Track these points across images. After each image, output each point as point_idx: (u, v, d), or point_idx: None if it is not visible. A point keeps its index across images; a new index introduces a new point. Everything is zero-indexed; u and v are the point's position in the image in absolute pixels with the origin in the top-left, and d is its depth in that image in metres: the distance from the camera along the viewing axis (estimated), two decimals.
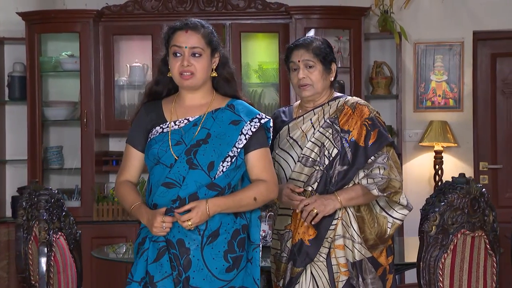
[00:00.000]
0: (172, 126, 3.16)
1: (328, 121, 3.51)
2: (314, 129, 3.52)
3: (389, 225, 3.52)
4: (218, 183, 3.09)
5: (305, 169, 3.49)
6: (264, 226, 4.45)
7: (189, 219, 3.02)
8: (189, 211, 3.03)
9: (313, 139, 3.50)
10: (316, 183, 3.46)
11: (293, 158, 3.52)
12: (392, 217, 3.53)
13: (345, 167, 3.45)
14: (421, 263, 3.57)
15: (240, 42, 6.28)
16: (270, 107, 6.34)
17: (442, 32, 6.53)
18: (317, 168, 3.47)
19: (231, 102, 3.21)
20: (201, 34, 3.16)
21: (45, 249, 3.34)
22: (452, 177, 5.07)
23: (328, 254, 3.45)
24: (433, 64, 6.56)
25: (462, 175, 5.16)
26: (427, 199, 3.69)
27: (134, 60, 6.51)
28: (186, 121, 3.17)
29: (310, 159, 3.48)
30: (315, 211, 3.39)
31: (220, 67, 3.23)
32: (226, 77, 3.25)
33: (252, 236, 3.19)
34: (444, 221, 3.56)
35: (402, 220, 3.56)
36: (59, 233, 3.52)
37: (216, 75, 3.22)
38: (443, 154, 6.41)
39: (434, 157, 6.43)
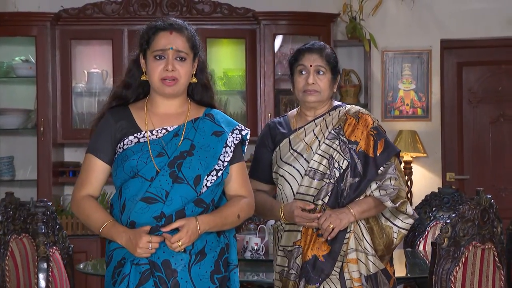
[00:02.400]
0: (149, 136, 2.96)
1: (333, 132, 3.48)
2: (319, 141, 3.48)
3: (395, 235, 3.52)
4: (204, 199, 2.92)
5: (314, 182, 3.44)
6: (256, 239, 4.39)
7: (179, 240, 2.82)
8: (176, 230, 2.85)
9: (319, 151, 3.46)
10: (327, 197, 3.43)
11: (299, 172, 3.47)
12: (398, 226, 3.52)
13: (357, 179, 3.43)
14: (434, 276, 3.59)
15: (206, 48, 6.20)
16: (236, 116, 6.29)
17: (410, 40, 6.62)
18: (327, 181, 3.43)
19: (208, 111, 3.04)
20: (186, 37, 2.99)
21: (45, 264, 3.22)
22: (439, 188, 5.17)
23: (341, 269, 3.41)
24: (401, 72, 6.63)
25: (448, 186, 5.28)
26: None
27: (93, 66, 6.39)
28: (164, 130, 2.97)
29: (318, 172, 3.44)
30: (331, 226, 3.36)
31: (198, 72, 3.05)
32: (205, 83, 3.09)
33: (230, 257, 3.03)
34: (456, 233, 3.59)
35: (407, 230, 3.57)
36: (54, 247, 3.39)
37: (196, 81, 3.03)
38: (412, 165, 6.48)
39: (404, 167, 6.48)
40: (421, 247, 5.03)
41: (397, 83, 6.64)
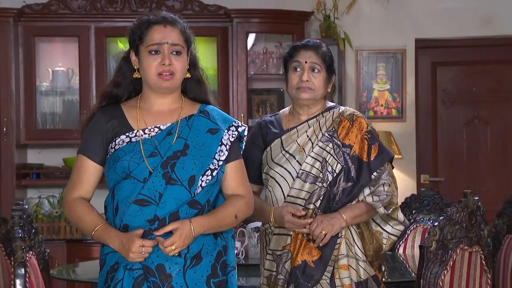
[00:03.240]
0: (142, 135, 2.91)
1: (326, 134, 3.45)
2: (312, 143, 3.45)
3: (384, 240, 3.52)
4: (198, 200, 2.86)
5: (306, 185, 3.40)
6: (236, 243, 4.31)
7: (173, 244, 2.78)
8: (170, 233, 2.80)
9: (312, 154, 3.42)
10: (319, 201, 3.39)
11: (290, 174, 3.43)
12: (387, 232, 3.52)
13: (350, 184, 3.41)
14: (422, 280, 3.55)
15: None
16: None
17: (385, 39, 6.58)
18: (319, 185, 3.39)
19: (203, 107, 2.99)
20: (180, 30, 2.95)
21: (22, 269, 3.12)
22: (419, 190, 5.14)
23: (332, 275, 3.38)
24: (376, 72, 6.60)
25: (429, 188, 5.25)
26: None
27: (57, 64, 6.26)
28: (157, 129, 2.92)
29: (311, 175, 3.40)
30: (324, 232, 3.31)
31: (191, 67, 3.00)
32: (198, 78, 3.04)
33: (228, 258, 2.98)
34: (444, 236, 3.55)
35: (397, 236, 3.55)
36: (30, 252, 3.28)
37: (190, 76, 2.98)
38: None
39: None
40: (401, 251, 4.99)
41: (371, 83, 6.61)
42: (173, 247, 2.77)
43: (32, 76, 6.12)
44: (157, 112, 2.96)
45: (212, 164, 2.90)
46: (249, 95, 6.28)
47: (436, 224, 3.58)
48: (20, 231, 3.18)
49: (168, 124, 2.93)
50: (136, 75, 2.96)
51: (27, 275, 3.18)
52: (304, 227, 3.33)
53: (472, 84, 6.80)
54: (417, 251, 4.77)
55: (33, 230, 3.38)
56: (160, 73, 2.89)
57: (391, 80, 6.60)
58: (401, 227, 3.51)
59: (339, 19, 6.44)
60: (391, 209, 3.44)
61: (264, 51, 6.29)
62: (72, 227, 6.04)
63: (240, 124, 3.00)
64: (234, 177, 2.98)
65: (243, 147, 3.04)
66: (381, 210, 3.39)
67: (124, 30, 6.41)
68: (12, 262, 3.17)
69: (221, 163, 2.92)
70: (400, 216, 3.48)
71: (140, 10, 6.14)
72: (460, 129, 6.80)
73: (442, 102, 6.81)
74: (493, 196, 6.49)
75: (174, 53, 2.91)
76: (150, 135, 2.91)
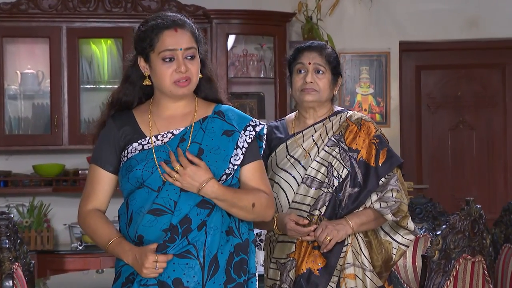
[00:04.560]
0: (154, 142, 2.85)
1: (333, 139, 3.41)
2: (318, 147, 3.40)
3: (394, 251, 3.47)
4: (209, 200, 2.79)
5: (311, 191, 3.35)
6: None
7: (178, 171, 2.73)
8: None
9: (318, 159, 3.38)
10: (325, 207, 3.34)
11: (295, 179, 3.38)
12: (397, 242, 3.47)
13: (356, 189, 3.36)
14: None
15: None
16: None
17: (368, 41, 6.54)
18: (325, 190, 3.34)
19: (217, 108, 2.92)
20: (190, 32, 2.87)
21: (10, 282, 3.01)
22: (411, 198, 5.07)
23: (338, 284, 3.32)
24: (359, 75, 6.55)
25: (421, 195, 5.19)
26: None
27: (27, 66, 6.13)
28: (170, 134, 2.86)
29: (316, 180, 3.35)
30: (328, 238, 3.25)
31: (201, 66, 2.91)
32: (209, 77, 2.96)
33: (249, 265, 2.88)
34: (447, 245, 3.50)
35: (408, 246, 3.50)
36: (16, 263, 3.17)
37: (202, 76, 2.91)
38: None
39: None
40: None
41: (354, 87, 6.56)
42: (175, 177, 2.73)
43: (0, 79, 5.97)
44: (169, 116, 2.90)
45: (228, 169, 2.84)
46: (229, 99, 6.17)
47: (438, 232, 3.52)
48: (7, 241, 3.07)
49: (182, 129, 2.87)
50: (146, 82, 2.89)
51: (14, 287, 3.06)
52: (308, 235, 3.27)
53: (457, 89, 6.79)
54: (409, 261, 4.71)
55: (19, 241, 3.26)
56: (176, 80, 2.83)
57: (374, 84, 6.55)
58: (412, 237, 3.47)
59: (322, 21, 6.38)
60: (400, 217, 3.39)
61: (245, 53, 6.21)
62: (43, 237, 5.91)
63: (257, 123, 2.92)
64: (252, 178, 2.89)
65: (263, 146, 2.95)
66: (389, 216, 3.34)
67: (97, 30, 6.35)
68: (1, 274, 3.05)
69: (236, 167, 2.85)
70: (411, 225, 3.44)
71: (114, 10, 6.03)
72: (445, 134, 6.79)
73: (426, 107, 6.78)
74: (479, 203, 6.40)
75: (189, 57, 2.83)
76: (163, 141, 2.85)
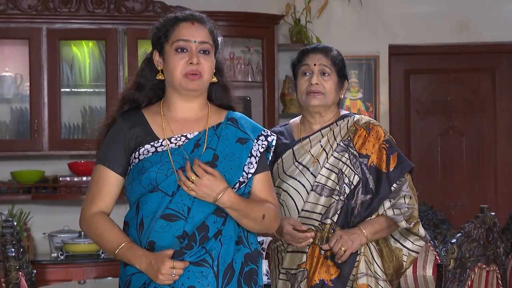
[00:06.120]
0: (169, 145, 2.81)
1: (342, 144, 3.37)
2: (327, 153, 3.37)
3: (405, 258, 3.46)
4: (222, 209, 2.77)
5: (321, 199, 3.32)
6: None
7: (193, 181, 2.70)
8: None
9: (327, 165, 3.34)
10: (337, 215, 3.31)
11: (304, 187, 3.34)
12: (408, 248, 3.46)
13: (368, 196, 3.34)
14: None
15: (137, 51, 5.91)
16: None
17: (357, 45, 6.51)
18: (336, 198, 3.31)
19: (230, 115, 2.92)
20: (208, 29, 2.89)
21: None
22: None
23: None
24: (348, 80, 6.50)
25: (421, 202, 5.17)
26: None
27: (4, 68, 6.02)
28: (184, 138, 2.83)
29: (326, 188, 3.32)
30: (343, 248, 3.20)
31: (217, 73, 2.92)
32: (225, 84, 2.96)
33: (257, 275, 2.87)
34: (462, 254, 3.48)
35: (418, 252, 3.49)
36: (20, 273, 3.10)
37: (216, 80, 2.91)
38: None
39: None
40: None
41: None
42: (190, 186, 2.70)
43: None
44: (183, 120, 2.87)
45: (242, 177, 2.83)
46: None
47: (453, 241, 3.50)
48: (13, 249, 3.01)
49: (196, 133, 2.85)
50: (159, 76, 2.87)
51: None
52: (302, 242, 3.23)
53: (446, 93, 6.79)
54: (409, 270, 4.68)
55: (21, 249, 3.19)
56: (187, 73, 2.80)
57: (363, 88, 6.53)
58: (422, 243, 3.46)
59: (311, 23, 6.34)
60: (413, 223, 3.37)
61: (231, 56, 6.15)
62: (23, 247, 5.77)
63: (269, 133, 2.93)
64: (261, 189, 2.90)
65: (270, 158, 2.95)
66: (403, 223, 3.32)
67: (79, 32, 6.24)
68: (4, 284, 2.98)
69: (249, 176, 2.84)
70: (421, 231, 3.43)
71: (97, 11, 5.93)
72: (434, 140, 6.78)
73: (415, 112, 6.77)
74: (468, 210, 6.49)
75: (202, 52, 2.83)
76: (177, 144, 2.82)
